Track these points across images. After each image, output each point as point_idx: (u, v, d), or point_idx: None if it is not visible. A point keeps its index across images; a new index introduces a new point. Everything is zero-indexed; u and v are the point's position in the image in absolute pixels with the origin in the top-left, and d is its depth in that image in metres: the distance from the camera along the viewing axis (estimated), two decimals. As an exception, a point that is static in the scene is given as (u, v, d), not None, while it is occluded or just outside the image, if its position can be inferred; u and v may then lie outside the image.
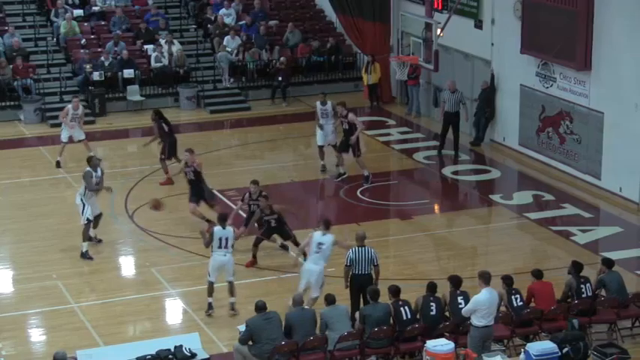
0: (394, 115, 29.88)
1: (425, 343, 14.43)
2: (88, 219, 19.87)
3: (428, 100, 29.23)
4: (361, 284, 16.57)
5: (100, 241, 20.40)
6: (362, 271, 16.69)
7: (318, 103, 24.44)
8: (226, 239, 17.31)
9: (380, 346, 15.41)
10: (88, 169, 20.40)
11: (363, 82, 30.90)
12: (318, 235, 17.19)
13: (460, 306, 15.47)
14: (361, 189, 23.16)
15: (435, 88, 28.85)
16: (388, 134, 28.19)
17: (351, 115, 23.66)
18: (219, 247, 17.30)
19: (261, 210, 19.34)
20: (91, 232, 20.24)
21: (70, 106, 25.28)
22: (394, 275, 18.11)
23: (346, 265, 16.81)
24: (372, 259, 16.76)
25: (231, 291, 17.47)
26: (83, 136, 25.37)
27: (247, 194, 19.86)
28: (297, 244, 19.01)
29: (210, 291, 17.40)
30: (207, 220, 20.38)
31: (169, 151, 23.72)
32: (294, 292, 16.46)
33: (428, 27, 26.16)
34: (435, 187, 24.55)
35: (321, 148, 24.48)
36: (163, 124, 23.90)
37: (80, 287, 18.65)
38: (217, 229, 17.38)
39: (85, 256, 19.76)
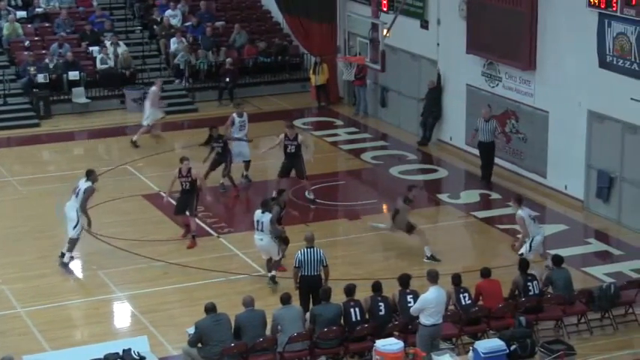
0: (342, 115, 29.94)
1: (374, 342, 14.50)
2: (78, 236, 19.20)
3: (375, 100, 29.31)
4: (310, 285, 16.58)
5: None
6: (311, 272, 16.71)
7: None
8: (261, 223, 18.33)
9: (329, 347, 15.43)
10: (90, 184, 19.25)
11: (310, 83, 30.91)
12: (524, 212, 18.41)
13: (409, 305, 15.54)
14: (309, 190, 23.04)
15: (382, 89, 28.94)
16: (336, 134, 28.23)
17: (301, 137, 22.72)
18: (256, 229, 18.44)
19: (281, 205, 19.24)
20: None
21: (154, 88, 26.36)
22: (343, 275, 18.11)
23: (295, 267, 16.82)
24: (320, 260, 16.79)
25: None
26: (160, 114, 26.69)
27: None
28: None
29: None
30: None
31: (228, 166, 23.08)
32: (243, 293, 16.40)
33: (374, 27, 26.19)
34: (382, 187, 24.60)
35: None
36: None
37: (26, 292, 18.43)
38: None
39: (65, 266, 19.21)
